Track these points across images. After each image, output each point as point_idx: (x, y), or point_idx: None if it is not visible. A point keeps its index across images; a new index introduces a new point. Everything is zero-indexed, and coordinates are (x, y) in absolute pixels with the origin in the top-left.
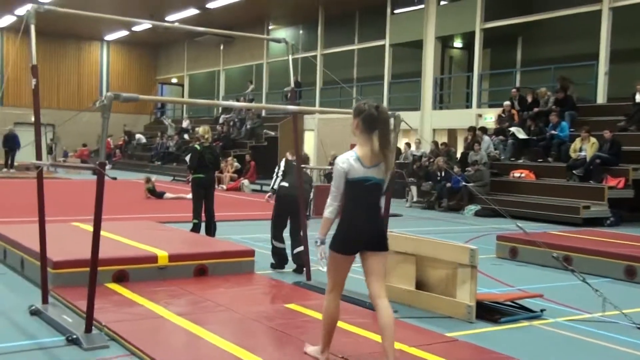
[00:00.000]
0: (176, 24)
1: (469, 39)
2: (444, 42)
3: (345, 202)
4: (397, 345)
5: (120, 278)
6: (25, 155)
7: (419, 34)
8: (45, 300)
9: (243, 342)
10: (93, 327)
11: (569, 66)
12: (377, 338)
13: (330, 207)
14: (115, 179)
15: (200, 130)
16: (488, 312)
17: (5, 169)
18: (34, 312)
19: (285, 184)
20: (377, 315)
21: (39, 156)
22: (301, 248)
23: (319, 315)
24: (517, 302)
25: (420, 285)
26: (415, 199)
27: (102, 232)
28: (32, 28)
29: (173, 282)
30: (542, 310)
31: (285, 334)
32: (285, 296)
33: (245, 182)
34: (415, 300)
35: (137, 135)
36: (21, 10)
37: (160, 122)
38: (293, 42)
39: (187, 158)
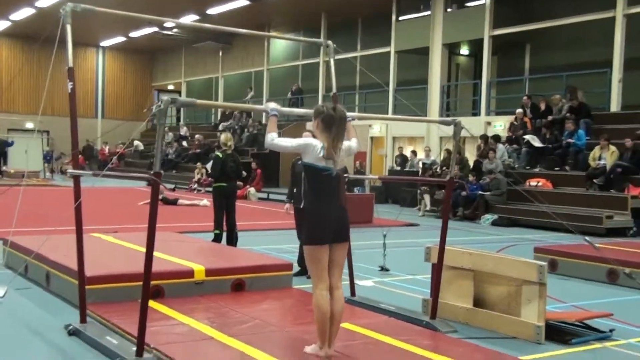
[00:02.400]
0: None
1: (476, 46)
2: (451, 49)
3: (309, 193)
4: None
5: (157, 294)
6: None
7: (425, 40)
8: (83, 319)
9: None
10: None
11: (581, 74)
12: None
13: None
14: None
15: (222, 137)
16: (556, 332)
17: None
18: (73, 332)
19: None
20: (332, 303)
21: (76, 164)
22: None
23: (376, 336)
24: (584, 322)
25: (478, 302)
26: (428, 207)
27: (129, 245)
28: (69, 28)
29: (211, 298)
30: (611, 331)
31: (350, 358)
32: None
33: (252, 190)
34: (473, 319)
35: (135, 142)
36: (16, 15)
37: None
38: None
39: (209, 166)
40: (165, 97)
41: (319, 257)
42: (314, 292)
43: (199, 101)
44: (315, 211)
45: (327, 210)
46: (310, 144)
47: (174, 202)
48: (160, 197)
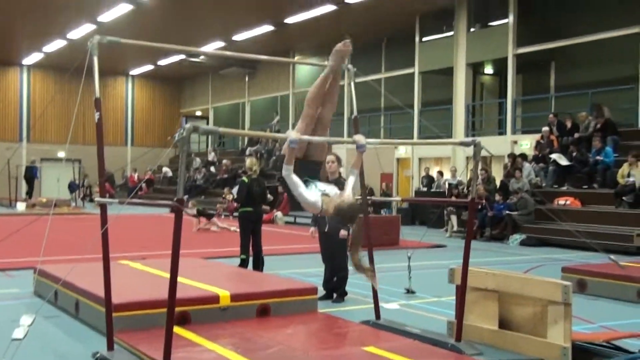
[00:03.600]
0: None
1: (500, 65)
2: (475, 68)
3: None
4: None
5: (183, 321)
6: (49, 190)
7: (449, 61)
8: (110, 347)
9: None
10: None
11: (607, 90)
12: None
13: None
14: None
15: (248, 162)
16: (583, 353)
17: (27, 198)
18: None
19: None
20: None
21: (102, 193)
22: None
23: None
24: (613, 342)
25: (503, 324)
26: (455, 228)
27: (156, 271)
28: (95, 60)
29: (237, 323)
30: None
31: None
32: (359, 338)
33: (279, 214)
34: (498, 341)
35: (164, 169)
36: (49, 48)
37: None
38: (356, 69)
39: (235, 191)
40: (187, 125)
41: None
42: None
43: (221, 129)
44: None
45: None
46: (312, 205)
47: (210, 215)
48: (197, 207)
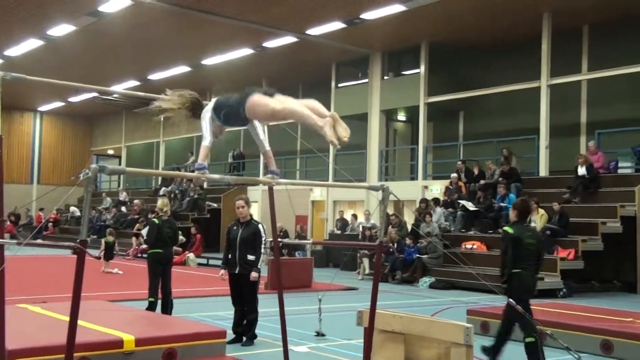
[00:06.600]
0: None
1: (412, 112)
2: (389, 115)
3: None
4: None
5: None
6: None
7: (364, 107)
8: None
9: None
10: None
11: (511, 140)
12: None
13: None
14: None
15: (159, 203)
16: None
17: None
18: None
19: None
20: None
21: (1, 233)
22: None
23: None
24: None
25: None
26: (367, 271)
27: (57, 315)
28: None
29: None
30: None
31: None
32: None
33: (191, 255)
34: None
35: (71, 209)
36: None
37: (96, 195)
38: None
39: (144, 232)
40: (93, 165)
41: None
42: None
43: (128, 169)
44: None
45: None
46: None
47: (111, 257)
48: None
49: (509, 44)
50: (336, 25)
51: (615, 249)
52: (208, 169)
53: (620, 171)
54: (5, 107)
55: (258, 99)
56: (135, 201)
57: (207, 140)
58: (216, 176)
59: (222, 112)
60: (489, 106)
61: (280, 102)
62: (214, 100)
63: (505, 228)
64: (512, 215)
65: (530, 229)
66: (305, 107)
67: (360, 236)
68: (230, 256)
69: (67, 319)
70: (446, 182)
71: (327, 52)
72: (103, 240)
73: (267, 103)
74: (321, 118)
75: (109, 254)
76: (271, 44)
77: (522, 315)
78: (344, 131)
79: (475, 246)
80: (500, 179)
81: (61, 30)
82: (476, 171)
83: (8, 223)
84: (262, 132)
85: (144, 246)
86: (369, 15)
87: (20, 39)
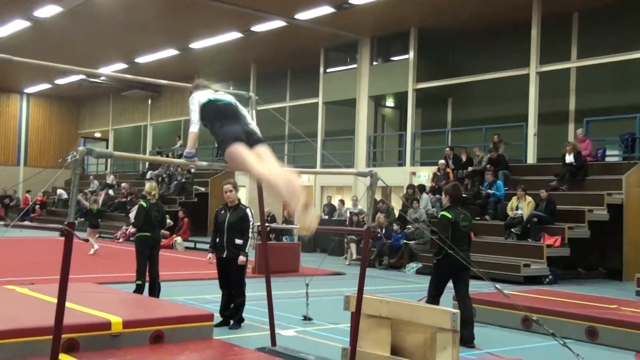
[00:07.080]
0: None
1: (401, 98)
2: (377, 101)
3: (220, 122)
4: None
5: (71, 348)
6: None
7: (352, 92)
8: None
9: None
10: None
11: (499, 127)
12: None
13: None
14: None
15: (147, 187)
16: None
17: None
18: None
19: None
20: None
21: None
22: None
23: None
24: None
25: (396, 351)
26: (355, 256)
27: (44, 297)
28: None
29: (129, 350)
30: None
31: None
32: None
33: (178, 239)
34: None
35: (59, 191)
36: None
37: (83, 177)
38: (257, 97)
39: (132, 215)
40: (80, 148)
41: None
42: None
43: (116, 153)
44: (227, 129)
45: (236, 127)
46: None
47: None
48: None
49: (498, 31)
50: (325, 10)
51: (601, 237)
52: (197, 157)
53: (607, 159)
54: None
55: (236, 153)
56: (123, 184)
57: (195, 127)
58: (204, 163)
59: (206, 122)
60: (478, 93)
61: (258, 160)
62: (207, 95)
63: (443, 213)
64: (445, 200)
65: (463, 211)
66: (280, 177)
67: (347, 222)
68: (218, 240)
69: (55, 300)
70: (434, 169)
71: (315, 37)
72: (87, 206)
73: (244, 160)
74: (295, 195)
75: (94, 222)
76: (260, 28)
77: None
78: (314, 220)
79: None
80: (488, 165)
81: (48, 11)
82: (464, 158)
83: None
84: (250, 119)
85: (133, 230)
86: None
87: (6, 20)
